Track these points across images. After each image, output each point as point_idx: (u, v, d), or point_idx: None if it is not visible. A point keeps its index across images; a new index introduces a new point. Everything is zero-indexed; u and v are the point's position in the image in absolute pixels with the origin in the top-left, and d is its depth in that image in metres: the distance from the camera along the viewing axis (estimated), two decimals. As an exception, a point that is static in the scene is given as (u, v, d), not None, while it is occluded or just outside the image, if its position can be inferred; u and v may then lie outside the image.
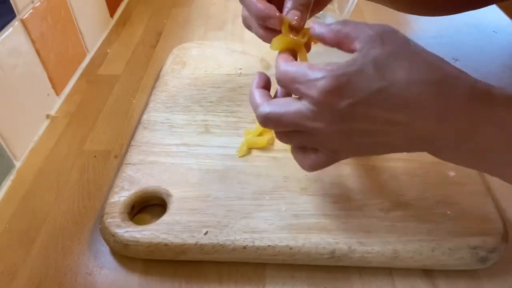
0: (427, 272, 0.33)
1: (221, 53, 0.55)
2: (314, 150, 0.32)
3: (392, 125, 0.28)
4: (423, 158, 0.34)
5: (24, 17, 0.45)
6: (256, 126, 0.43)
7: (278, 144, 0.42)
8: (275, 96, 0.33)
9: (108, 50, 0.60)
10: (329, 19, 0.63)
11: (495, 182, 0.37)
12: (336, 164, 0.39)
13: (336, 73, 0.28)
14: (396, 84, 0.27)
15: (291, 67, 0.30)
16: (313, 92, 0.29)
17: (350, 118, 0.29)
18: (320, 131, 0.30)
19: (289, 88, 0.31)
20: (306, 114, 0.30)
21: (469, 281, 0.33)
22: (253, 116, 0.45)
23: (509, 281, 0.33)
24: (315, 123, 0.29)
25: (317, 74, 0.28)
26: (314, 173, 0.38)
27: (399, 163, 0.39)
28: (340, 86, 0.28)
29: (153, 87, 0.51)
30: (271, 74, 0.50)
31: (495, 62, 0.55)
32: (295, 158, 0.34)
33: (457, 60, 0.54)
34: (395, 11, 0.66)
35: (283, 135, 0.33)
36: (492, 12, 0.64)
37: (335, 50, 0.31)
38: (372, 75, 0.27)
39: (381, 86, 0.27)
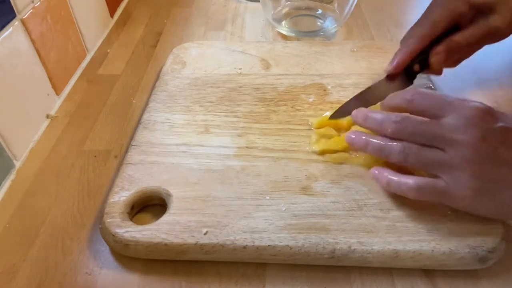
0: (427, 272, 0.33)
1: (221, 53, 0.55)
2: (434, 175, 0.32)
3: None
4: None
5: (24, 17, 0.45)
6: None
7: (279, 143, 0.42)
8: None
9: (108, 50, 0.60)
10: (329, 19, 0.63)
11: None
12: (336, 164, 0.40)
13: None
14: None
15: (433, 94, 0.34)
16: (466, 109, 0.30)
17: (500, 140, 0.29)
18: (460, 145, 0.29)
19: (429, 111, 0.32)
20: (453, 125, 0.30)
21: (469, 281, 0.33)
22: (251, 115, 0.45)
23: (509, 281, 0.33)
24: (460, 135, 0.29)
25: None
26: (314, 173, 0.39)
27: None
28: (493, 110, 0.30)
29: (153, 87, 0.51)
30: (271, 74, 0.51)
31: (495, 61, 0.55)
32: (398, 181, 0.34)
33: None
34: (395, 12, 0.66)
35: (412, 150, 0.33)
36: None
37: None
38: None
39: None
